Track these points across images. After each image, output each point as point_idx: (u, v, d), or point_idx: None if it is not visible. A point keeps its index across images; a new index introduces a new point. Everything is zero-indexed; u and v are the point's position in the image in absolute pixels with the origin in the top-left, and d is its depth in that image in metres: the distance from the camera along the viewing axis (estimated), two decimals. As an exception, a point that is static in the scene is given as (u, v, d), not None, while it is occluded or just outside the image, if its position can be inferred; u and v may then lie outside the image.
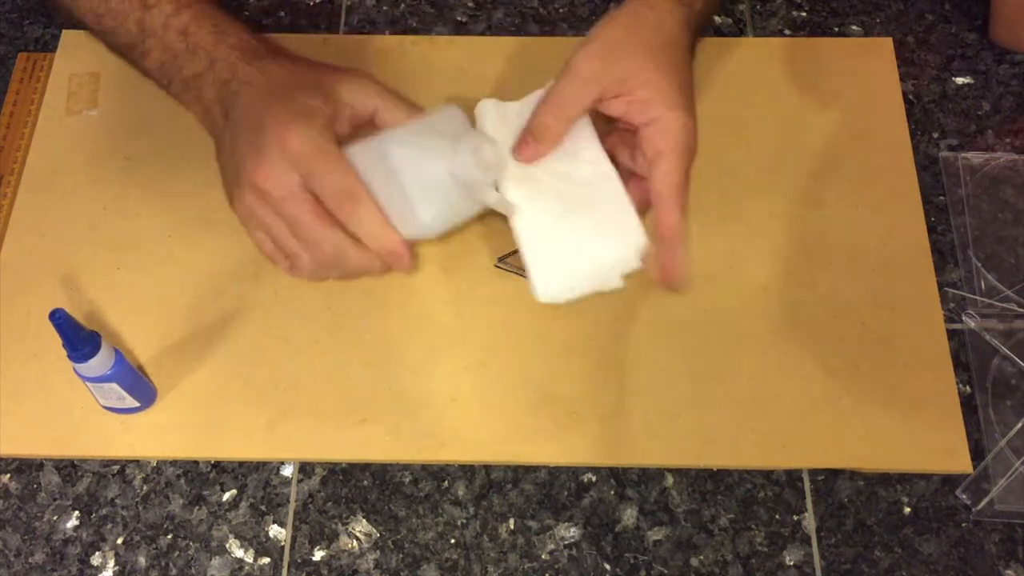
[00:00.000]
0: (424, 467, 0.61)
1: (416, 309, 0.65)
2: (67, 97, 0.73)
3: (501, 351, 0.63)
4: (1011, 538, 0.59)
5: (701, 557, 0.58)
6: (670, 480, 0.61)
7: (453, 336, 0.64)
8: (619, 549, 0.59)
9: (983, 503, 0.59)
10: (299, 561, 0.59)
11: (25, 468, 0.62)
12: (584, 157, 0.58)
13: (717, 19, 0.78)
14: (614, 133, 0.60)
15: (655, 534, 0.59)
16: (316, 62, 0.60)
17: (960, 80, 0.75)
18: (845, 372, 0.62)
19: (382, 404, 0.62)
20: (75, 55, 0.74)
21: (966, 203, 0.69)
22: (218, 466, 0.61)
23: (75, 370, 0.56)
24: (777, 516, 0.60)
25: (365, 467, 0.61)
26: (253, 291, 0.65)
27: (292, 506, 0.60)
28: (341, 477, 0.61)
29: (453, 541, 0.59)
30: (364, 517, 0.60)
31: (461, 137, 0.57)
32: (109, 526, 0.60)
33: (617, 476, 0.61)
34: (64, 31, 0.76)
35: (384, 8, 0.79)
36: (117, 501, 0.60)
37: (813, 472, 0.61)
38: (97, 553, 0.59)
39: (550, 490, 0.60)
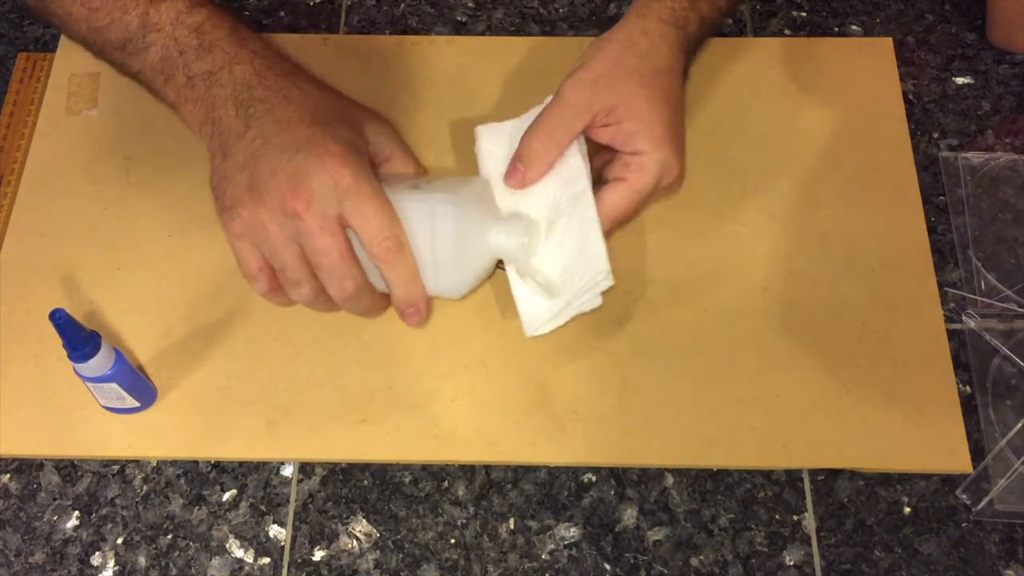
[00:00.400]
0: (424, 467, 0.61)
1: (416, 309, 0.65)
2: (67, 97, 0.73)
3: (501, 351, 0.63)
4: (1011, 538, 0.59)
5: (701, 557, 0.58)
6: (670, 480, 0.61)
7: (453, 336, 0.64)
8: (619, 549, 0.59)
9: (983, 503, 0.59)
10: (299, 561, 0.59)
11: (25, 468, 0.62)
12: (564, 174, 0.60)
13: (717, 19, 0.78)
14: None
15: (655, 534, 0.59)
16: (339, 92, 0.60)
17: (960, 80, 0.75)
18: (845, 372, 0.62)
19: (382, 404, 0.62)
20: (75, 55, 0.74)
21: (966, 203, 0.69)
22: (218, 466, 0.61)
23: (75, 370, 0.56)
24: (777, 516, 0.60)
25: (365, 467, 0.61)
26: (253, 291, 0.65)
27: (292, 506, 0.60)
28: (341, 477, 0.61)
29: (453, 541, 0.59)
30: (364, 517, 0.60)
31: (497, 212, 0.59)
32: (109, 526, 0.60)
33: (617, 476, 0.61)
34: (64, 31, 0.76)
35: (384, 8, 0.79)
36: (117, 501, 0.60)
37: (813, 472, 0.61)
38: (97, 553, 0.59)
39: (550, 490, 0.60)
